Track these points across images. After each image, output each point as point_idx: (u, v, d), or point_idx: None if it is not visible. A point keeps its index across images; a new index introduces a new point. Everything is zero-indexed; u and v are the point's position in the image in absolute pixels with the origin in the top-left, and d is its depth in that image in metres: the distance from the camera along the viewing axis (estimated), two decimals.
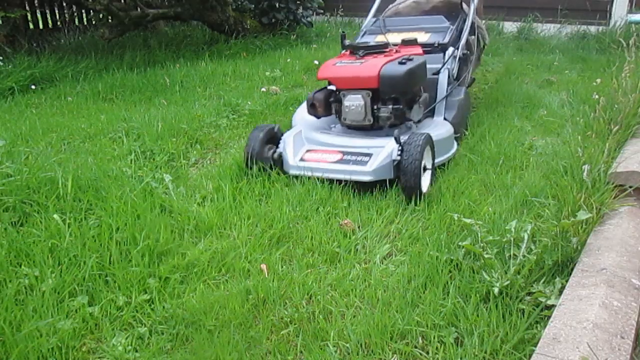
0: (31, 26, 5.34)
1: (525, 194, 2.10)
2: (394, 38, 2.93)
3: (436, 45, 2.87)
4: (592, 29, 5.77)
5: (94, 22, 6.05)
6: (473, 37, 3.16)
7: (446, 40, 2.90)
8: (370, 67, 2.33)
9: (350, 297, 1.57)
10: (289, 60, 4.73)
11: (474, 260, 1.66)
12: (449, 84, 2.77)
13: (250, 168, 2.31)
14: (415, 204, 2.06)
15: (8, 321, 1.40)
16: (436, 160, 2.36)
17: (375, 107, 2.39)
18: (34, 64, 4.15)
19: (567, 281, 1.45)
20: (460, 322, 1.42)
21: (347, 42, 2.64)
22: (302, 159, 2.34)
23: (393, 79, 2.28)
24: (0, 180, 2.06)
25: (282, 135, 2.47)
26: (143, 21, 5.16)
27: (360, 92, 2.37)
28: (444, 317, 1.44)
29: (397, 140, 2.17)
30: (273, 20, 5.90)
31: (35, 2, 5.42)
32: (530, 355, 1.21)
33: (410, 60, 2.37)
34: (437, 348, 1.35)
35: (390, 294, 1.56)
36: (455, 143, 2.62)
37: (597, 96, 2.93)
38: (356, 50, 2.52)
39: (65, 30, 5.53)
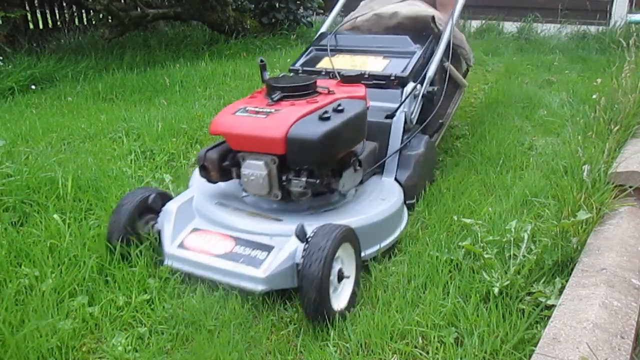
0: (31, 26, 5.34)
1: (525, 194, 2.10)
2: (344, 62, 2.32)
3: (392, 78, 2.18)
4: (592, 29, 5.77)
5: (94, 22, 6.05)
6: (446, 63, 2.39)
7: (406, 72, 2.18)
8: (277, 123, 1.60)
9: None
10: (289, 60, 4.73)
11: (474, 260, 1.66)
12: (406, 131, 2.10)
13: (120, 245, 1.65)
14: (326, 325, 1.44)
15: (8, 321, 1.40)
16: (375, 249, 1.72)
17: (284, 177, 1.66)
18: (34, 64, 4.15)
19: (567, 281, 1.45)
20: (460, 322, 1.42)
21: (267, 74, 1.87)
22: (182, 244, 1.66)
23: (305, 144, 1.55)
24: (0, 180, 2.06)
25: (165, 201, 1.77)
26: (143, 21, 5.16)
27: (263, 157, 1.65)
28: (444, 317, 1.44)
29: (301, 238, 1.49)
30: (273, 20, 5.90)
31: (35, 2, 5.42)
32: (530, 355, 1.21)
33: (340, 112, 1.66)
34: (437, 348, 1.35)
35: (390, 294, 1.56)
36: (406, 213, 1.95)
37: (597, 96, 2.93)
38: (271, 91, 1.77)
39: (65, 30, 5.53)
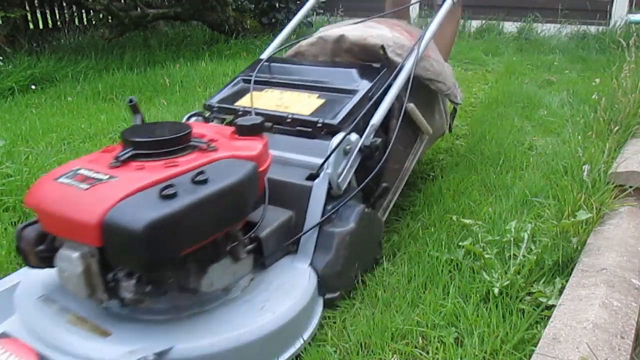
0: (31, 26, 5.34)
1: (525, 194, 2.10)
2: (269, 100, 1.80)
3: (319, 125, 1.63)
4: (592, 29, 5.77)
5: (94, 22, 6.05)
6: (411, 105, 1.82)
7: (338, 118, 1.61)
8: (94, 201, 1.08)
9: (350, 296, 1.57)
10: None
11: (474, 260, 1.66)
12: (332, 198, 1.53)
13: None
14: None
15: None
16: None
17: (110, 276, 1.13)
18: (34, 64, 4.15)
19: (567, 281, 1.45)
20: (460, 322, 1.42)
21: (139, 118, 1.50)
22: None
23: (124, 237, 1.04)
24: (0, 180, 2.06)
25: None
26: (143, 21, 5.16)
27: (80, 247, 1.12)
28: (444, 317, 1.44)
29: None
30: (273, 20, 5.91)
31: (35, 2, 5.42)
32: (530, 355, 1.21)
33: (200, 184, 1.12)
34: (437, 348, 1.35)
35: (390, 294, 1.56)
36: (317, 315, 1.42)
37: (597, 96, 2.93)
38: (125, 146, 1.23)
39: (65, 30, 5.53)
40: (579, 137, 2.44)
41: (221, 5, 5.41)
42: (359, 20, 2.10)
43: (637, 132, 2.36)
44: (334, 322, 1.46)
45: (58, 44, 5.17)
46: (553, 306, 1.36)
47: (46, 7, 5.50)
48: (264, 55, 2.09)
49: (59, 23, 5.64)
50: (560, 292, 1.42)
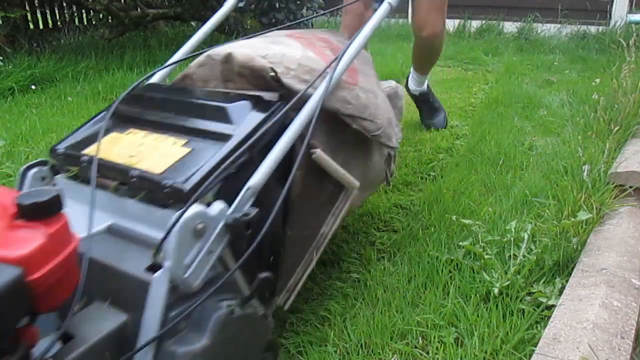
0: (31, 26, 5.34)
1: (525, 194, 2.10)
2: (124, 147, 1.20)
3: (166, 190, 1.00)
4: (592, 29, 5.77)
5: (94, 22, 6.05)
6: (317, 151, 1.26)
7: (190, 181, 0.99)
8: None
9: (350, 297, 1.57)
10: None
11: (474, 260, 1.66)
12: (180, 301, 0.92)
13: None
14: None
15: None
16: None
17: None
18: (34, 64, 4.15)
19: (567, 281, 1.45)
20: (460, 322, 1.42)
21: None
22: None
23: None
24: (0, 180, 2.06)
25: None
26: (143, 21, 5.17)
27: None
28: (444, 317, 1.44)
29: None
30: (273, 20, 5.91)
31: (35, 2, 5.42)
32: (530, 355, 1.21)
33: None
34: (437, 348, 1.35)
35: (390, 294, 1.56)
36: None
37: (597, 96, 2.93)
38: None
39: (65, 30, 5.53)
40: (579, 137, 2.44)
41: (221, 5, 5.41)
42: (270, 30, 1.65)
43: (637, 132, 2.36)
44: (335, 322, 1.46)
45: (58, 44, 5.17)
46: (553, 306, 1.36)
47: (46, 7, 5.50)
48: (156, 78, 1.69)
49: (59, 23, 5.64)
50: (560, 292, 1.42)
